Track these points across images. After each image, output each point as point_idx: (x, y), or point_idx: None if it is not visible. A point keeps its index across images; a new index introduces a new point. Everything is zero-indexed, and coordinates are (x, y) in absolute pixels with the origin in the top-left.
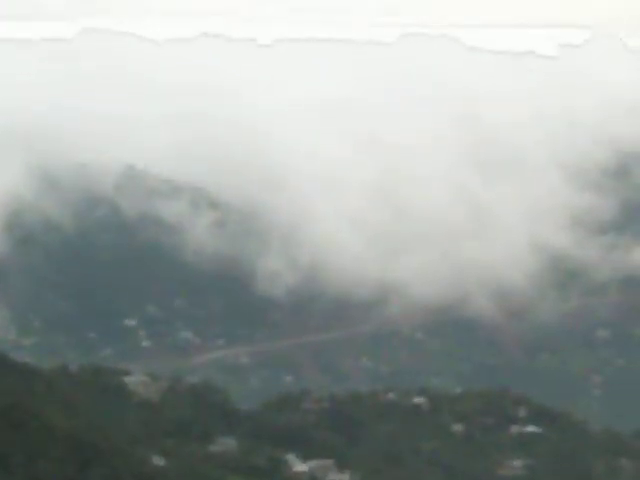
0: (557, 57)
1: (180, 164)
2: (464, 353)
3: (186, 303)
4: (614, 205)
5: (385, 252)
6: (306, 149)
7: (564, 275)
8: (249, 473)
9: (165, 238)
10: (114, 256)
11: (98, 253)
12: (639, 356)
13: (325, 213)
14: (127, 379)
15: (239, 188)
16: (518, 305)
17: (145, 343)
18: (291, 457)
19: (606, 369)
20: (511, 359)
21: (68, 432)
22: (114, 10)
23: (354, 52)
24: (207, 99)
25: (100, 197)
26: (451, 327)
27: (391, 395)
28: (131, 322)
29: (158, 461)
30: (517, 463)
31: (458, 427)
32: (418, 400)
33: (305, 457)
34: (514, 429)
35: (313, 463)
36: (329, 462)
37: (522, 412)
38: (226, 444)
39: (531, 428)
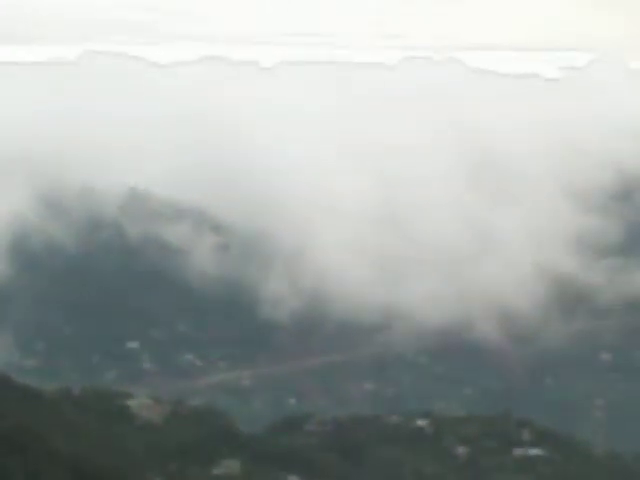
0: (560, 80)
1: (183, 187)
2: (468, 377)
3: (189, 326)
4: (618, 228)
5: (389, 276)
6: (310, 173)
7: (568, 299)
8: None
9: (168, 261)
10: (117, 279)
11: (101, 276)
12: None
13: (328, 237)
14: (130, 402)
15: (242, 211)
16: (522, 329)
17: (148, 366)
18: None
19: (610, 392)
20: (515, 383)
21: (70, 455)
22: (117, 33)
23: (357, 75)
24: (210, 122)
25: (103, 220)
26: (455, 351)
27: (394, 418)
28: (134, 345)
29: None
30: None
31: (461, 450)
32: (421, 423)
33: None
34: (517, 452)
35: None
36: None
37: (525, 435)
38: (229, 467)
39: (534, 451)
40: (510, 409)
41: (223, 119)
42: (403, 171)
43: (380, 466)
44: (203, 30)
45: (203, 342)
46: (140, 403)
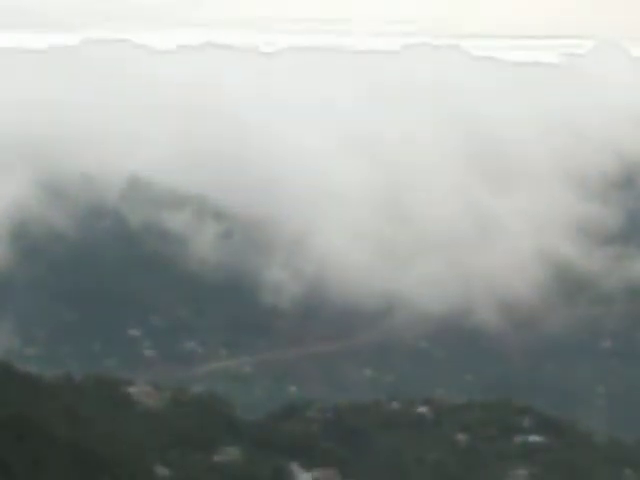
0: (561, 67)
1: (185, 174)
2: (469, 363)
3: (190, 313)
4: (620, 215)
5: (390, 262)
6: (311, 160)
7: (569, 285)
8: None
9: (170, 248)
10: (118, 266)
11: (102, 263)
12: None
13: (330, 224)
14: (131, 389)
15: (244, 198)
16: (523, 315)
17: (149, 353)
18: (295, 467)
19: (610, 379)
20: (516, 369)
21: (71, 442)
22: (119, 20)
23: (358, 61)
24: (211, 109)
25: (104, 207)
26: (456, 337)
27: (395, 405)
28: (135, 332)
29: (162, 471)
30: (521, 473)
31: (462, 437)
32: (422, 410)
33: (309, 467)
34: (518, 439)
35: (317, 473)
36: (333, 472)
37: (526, 422)
38: (230, 454)
39: (535, 438)
40: (510, 396)
41: (225, 106)
42: (404, 157)
43: (381, 452)
44: (205, 16)
45: (204, 329)
46: (141, 390)
